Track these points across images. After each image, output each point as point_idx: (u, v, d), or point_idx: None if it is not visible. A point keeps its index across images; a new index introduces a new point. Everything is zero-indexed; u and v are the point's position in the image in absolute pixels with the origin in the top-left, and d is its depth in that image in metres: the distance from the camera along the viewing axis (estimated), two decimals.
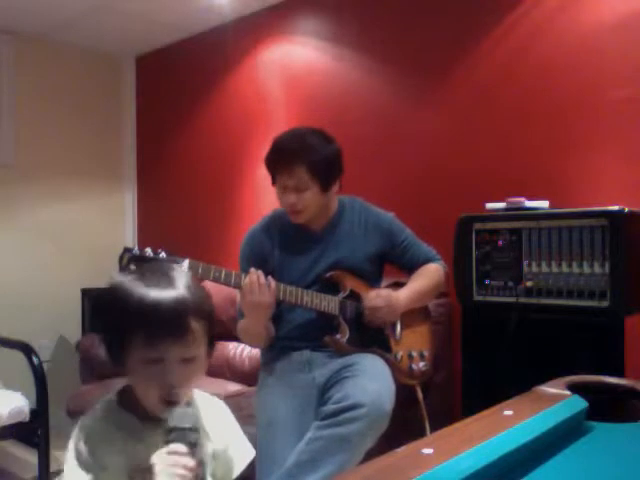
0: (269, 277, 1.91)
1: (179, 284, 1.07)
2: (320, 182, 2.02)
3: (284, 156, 2.00)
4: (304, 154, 1.98)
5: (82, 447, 1.07)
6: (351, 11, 3.22)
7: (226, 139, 3.85)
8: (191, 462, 0.99)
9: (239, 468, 1.18)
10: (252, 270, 1.90)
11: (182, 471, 0.97)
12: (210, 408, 1.19)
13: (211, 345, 1.13)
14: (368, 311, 2.04)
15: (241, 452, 1.20)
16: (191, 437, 1.01)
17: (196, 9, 3.59)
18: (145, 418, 1.09)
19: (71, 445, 1.08)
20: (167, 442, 1.00)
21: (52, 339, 4.06)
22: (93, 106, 4.34)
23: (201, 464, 1.04)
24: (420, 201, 2.88)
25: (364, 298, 2.07)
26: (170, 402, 1.05)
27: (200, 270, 1.86)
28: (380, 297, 2.06)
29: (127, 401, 1.12)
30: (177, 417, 1.02)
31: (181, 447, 0.99)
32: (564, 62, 2.48)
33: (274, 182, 2.07)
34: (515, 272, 2.04)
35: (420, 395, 2.20)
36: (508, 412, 1.05)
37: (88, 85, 4.32)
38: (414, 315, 2.22)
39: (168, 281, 1.07)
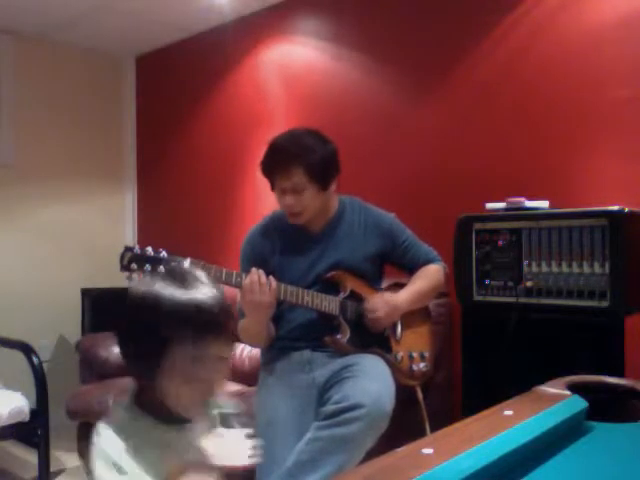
0: (270, 277, 1.91)
1: (205, 281, 1.10)
2: (318, 183, 2.02)
3: (280, 158, 2.00)
4: (301, 155, 1.98)
5: (119, 457, 1.04)
6: (351, 11, 3.22)
7: (226, 139, 3.85)
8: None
9: None
10: (253, 270, 1.90)
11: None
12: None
13: None
14: (369, 316, 2.05)
15: None
16: (242, 420, 1.06)
17: (196, 9, 3.59)
18: (169, 421, 1.10)
19: (102, 458, 1.06)
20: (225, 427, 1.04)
21: (52, 339, 4.06)
22: (93, 106, 4.34)
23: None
24: (420, 201, 2.88)
25: (366, 306, 2.07)
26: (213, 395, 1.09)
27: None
28: (380, 299, 2.06)
29: (147, 406, 1.11)
30: (225, 404, 1.07)
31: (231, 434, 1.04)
32: (564, 62, 2.48)
33: (273, 187, 2.07)
34: (515, 272, 2.04)
35: (420, 395, 2.20)
36: (508, 412, 1.05)
37: (88, 85, 4.32)
38: (414, 316, 2.22)
39: (195, 280, 1.09)
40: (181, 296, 1.05)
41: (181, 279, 1.08)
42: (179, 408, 1.08)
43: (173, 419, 1.09)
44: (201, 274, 1.12)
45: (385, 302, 2.06)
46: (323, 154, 2.02)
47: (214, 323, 1.06)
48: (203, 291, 1.07)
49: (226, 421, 1.03)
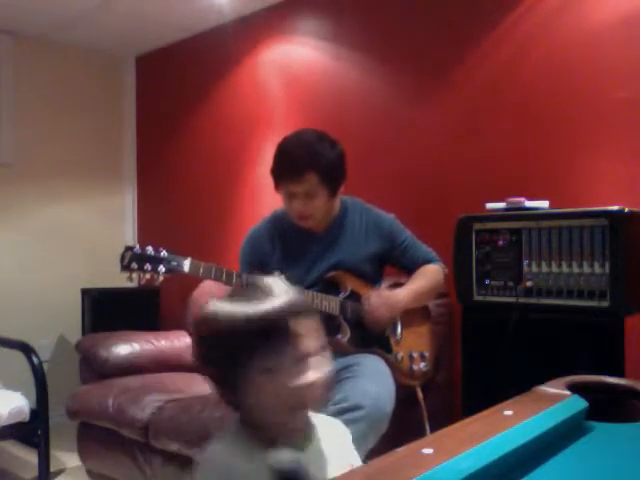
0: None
1: (275, 292, 1.04)
2: (329, 187, 2.02)
3: (294, 165, 1.98)
4: (314, 162, 1.97)
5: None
6: (351, 11, 3.22)
7: (226, 139, 3.85)
8: None
9: None
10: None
11: None
12: (330, 430, 1.13)
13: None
14: (367, 313, 2.04)
15: None
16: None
17: (196, 9, 3.59)
18: (269, 445, 1.00)
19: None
20: None
21: (52, 339, 4.06)
22: (93, 106, 4.34)
23: None
24: (420, 201, 2.88)
25: (363, 299, 2.06)
26: (307, 404, 1.02)
27: (201, 270, 1.86)
28: (378, 297, 2.06)
29: (248, 429, 1.05)
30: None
31: None
32: (564, 62, 2.48)
33: (278, 188, 2.06)
34: (515, 272, 2.04)
35: (420, 395, 2.20)
36: (508, 412, 1.04)
37: (88, 85, 4.32)
38: (414, 315, 2.22)
39: (262, 292, 1.03)
40: (250, 311, 1.00)
41: (247, 294, 1.04)
42: (272, 428, 1.02)
43: (272, 443, 1.01)
44: (272, 283, 1.06)
45: (384, 299, 2.06)
46: (334, 158, 2.02)
47: (271, 330, 1.00)
48: (270, 301, 1.01)
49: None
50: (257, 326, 1.00)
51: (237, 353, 1.01)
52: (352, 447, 1.16)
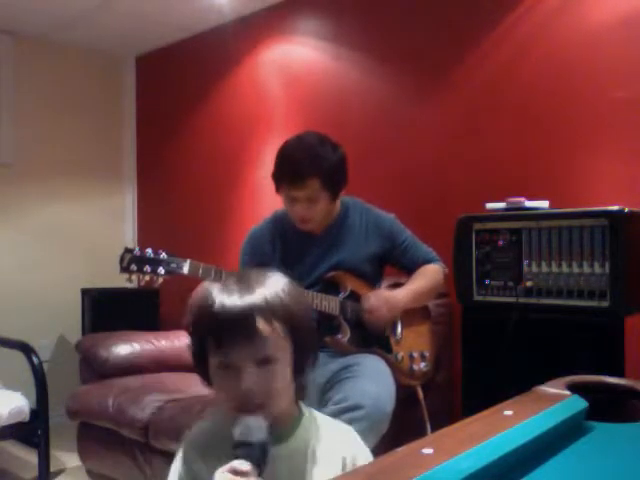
0: None
1: (258, 289, 1.02)
2: (331, 192, 2.02)
3: (296, 170, 1.98)
4: (317, 167, 1.97)
5: (179, 465, 1.05)
6: (351, 11, 3.22)
7: (226, 139, 3.85)
8: None
9: None
10: None
11: None
12: (332, 436, 1.09)
13: (301, 349, 1.05)
14: (367, 313, 2.04)
15: None
16: (256, 454, 0.90)
17: (196, 9, 3.59)
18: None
19: (175, 462, 1.08)
20: (234, 457, 0.90)
21: (52, 339, 4.06)
22: (93, 106, 4.34)
23: None
24: (420, 201, 2.88)
25: (362, 299, 2.06)
26: (244, 410, 0.98)
27: (200, 271, 1.86)
28: (378, 297, 2.06)
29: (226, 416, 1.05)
30: (243, 429, 0.92)
31: (244, 465, 0.88)
32: (564, 62, 2.48)
33: (279, 191, 2.06)
34: (515, 272, 2.04)
35: (421, 395, 2.20)
36: (508, 412, 1.04)
37: (88, 85, 4.32)
38: (415, 315, 2.22)
39: (247, 287, 1.02)
40: (213, 302, 1.01)
41: (238, 285, 1.03)
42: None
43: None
44: (265, 281, 1.04)
45: (384, 298, 2.06)
46: (336, 163, 2.02)
47: (233, 327, 0.99)
48: (238, 297, 1.00)
49: (241, 452, 0.89)
50: (219, 318, 1.00)
51: (202, 339, 1.02)
52: (359, 461, 1.07)
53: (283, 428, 1.05)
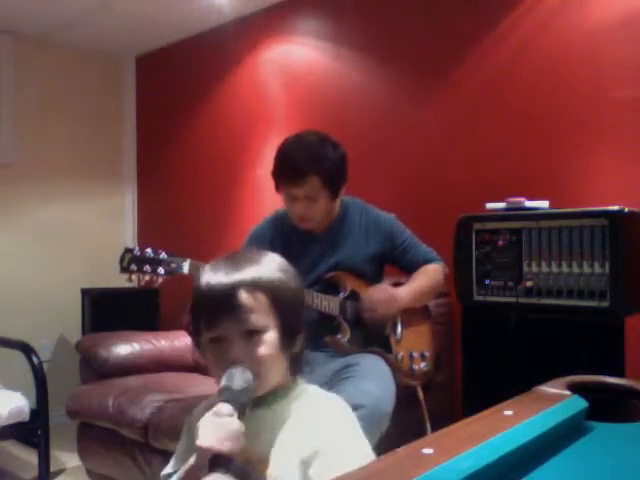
0: None
1: (245, 266, 1.07)
2: (330, 191, 2.02)
3: (295, 168, 1.98)
4: (316, 165, 1.97)
5: (183, 436, 1.13)
6: (351, 11, 3.22)
7: (226, 139, 3.85)
8: (234, 424, 0.93)
9: None
10: None
11: (222, 433, 0.92)
12: (320, 406, 1.11)
13: (289, 320, 1.08)
14: (368, 305, 2.03)
15: (329, 469, 0.97)
16: (237, 398, 0.96)
17: (196, 9, 3.59)
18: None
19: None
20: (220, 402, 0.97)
21: (52, 339, 4.06)
22: (93, 106, 4.34)
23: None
24: (420, 201, 2.88)
25: (363, 296, 2.06)
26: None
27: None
28: (379, 293, 2.06)
29: None
30: (227, 376, 0.99)
31: (225, 407, 0.94)
32: (564, 62, 2.48)
33: (278, 190, 2.06)
34: (515, 272, 2.04)
35: (421, 395, 2.20)
36: (508, 412, 1.04)
37: (88, 85, 4.32)
38: (415, 315, 2.22)
39: (234, 265, 1.07)
40: (200, 279, 1.07)
41: (226, 264, 1.07)
42: None
43: None
44: (255, 258, 1.09)
45: (385, 295, 2.06)
46: (336, 161, 2.02)
47: (216, 301, 1.04)
48: (224, 274, 1.05)
49: (226, 396, 0.96)
50: (206, 296, 1.05)
51: (196, 318, 1.08)
52: (341, 431, 1.06)
53: (270, 394, 1.08)
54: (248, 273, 1.05)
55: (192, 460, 0.97)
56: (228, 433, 0.92)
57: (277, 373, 1.08)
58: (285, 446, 1.04)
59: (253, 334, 1.04)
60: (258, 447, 1.03)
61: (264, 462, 1.03)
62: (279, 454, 1.03)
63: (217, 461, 0.90)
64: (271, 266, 1.10)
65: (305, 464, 1.01)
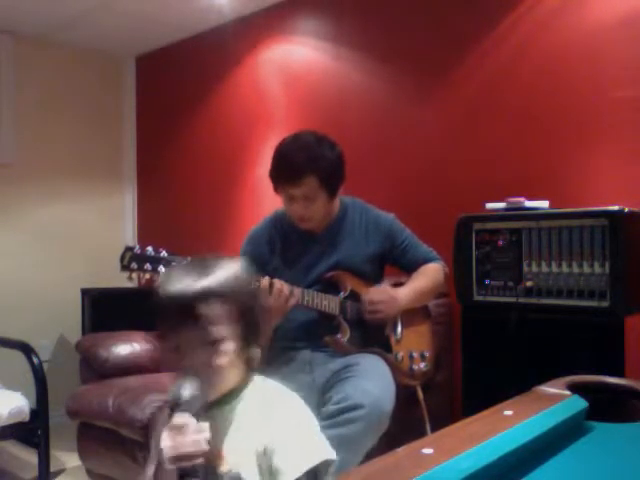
0: (292, 287, 1.91)
1: (203, 275, 1.08)
2: (328, 190, 2.02)
3: (293, 168, 1.97)
4: (314, 165, 1.96)
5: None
6: (351, 11, 3.22)
7: (226, 139, 3.85)
8: (191, 436, 0.97)
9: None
10: (276, 280, 1.90)
11: (183, 448, 0.96)
12: (271, 398, 1.14)
13: (246, 326, 1.10)
14: (368, 304, 2.03)
15: (291, 462, 1.03)
16: (192, 406, 1.00)
17: (196, 9, 3.59)
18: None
19: None
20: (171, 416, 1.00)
21: (52, 339, 4.06)
22: (93, 106, 4.34)
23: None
24: (420, 201, 2.88)
25: (363, 295, 2.06)
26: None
27: None
28: (380, 291, 2.06)
29: None
30: (177, 387, 1.01)
31: (180, 419, 0.98)
32: (564, 62, 2.48)
33: (277, 191, 2.06)
34: (515, 272, 2.04)
35: (421, 395, 2.20)
36: (508, 412, 1.05)
37: (88, 85, 4.32)
38: (415, 315, 2.21)
39: (193, 274, 1.08)
40: (159, 291, 1.08)
41: (188, 272, 1.09)
42: None
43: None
44: (215, 267, 1.10)
45: (385, 294, 2.06)
46: (333, 161, 2.02)
47: (174, 312, 1.06)
48: (182, 284, 1.06)
49: (179, 408, 0.99)
50: (165, 306, 1.07)
51: (161, 326, 1.10)
52: (294, 425, 1.10)
53: (225, 395, 1.11)
54: (204, 283, 1.07)
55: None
56: (188, 446, 0.96)
57: (233, 378, 1.12)
58: (239, 441, 1.08)
59: (211, 344, 1.06)
60: (214, 446, 1.06)
61: (221, 459, 1.07)
62: (233, 449, 1.08)
63: (185, 472, 0.96)
64: (228, 274, 1.11)
65: (260, 456, 1.05)
